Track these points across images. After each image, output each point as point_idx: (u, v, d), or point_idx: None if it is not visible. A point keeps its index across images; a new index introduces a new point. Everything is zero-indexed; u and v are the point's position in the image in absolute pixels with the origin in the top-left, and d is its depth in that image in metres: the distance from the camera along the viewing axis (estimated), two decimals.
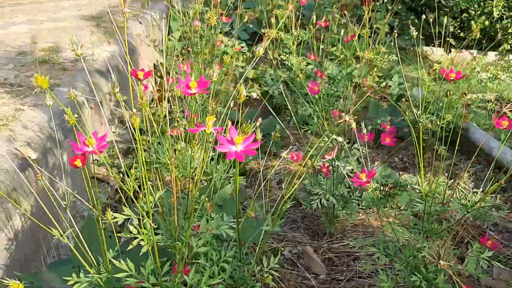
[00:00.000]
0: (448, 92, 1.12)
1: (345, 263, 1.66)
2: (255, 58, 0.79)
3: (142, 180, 0.76)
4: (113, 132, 2.33)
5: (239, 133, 0.65)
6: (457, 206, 1.07)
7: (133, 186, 0.82)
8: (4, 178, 1.37)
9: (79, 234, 1.00)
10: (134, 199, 0.77)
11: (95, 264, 0.92)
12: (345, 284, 1.56)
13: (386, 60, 3.12)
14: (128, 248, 0.82)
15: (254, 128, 0.70)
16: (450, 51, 4.06)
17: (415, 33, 1.18)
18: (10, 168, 1.41)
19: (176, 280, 0.82)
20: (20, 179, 1.40)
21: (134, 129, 0.75)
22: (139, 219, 0.78)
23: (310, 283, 1.56)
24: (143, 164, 0.74)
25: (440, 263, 0.76)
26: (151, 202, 0.72)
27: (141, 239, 0.78)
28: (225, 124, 0.66)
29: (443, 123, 1.99)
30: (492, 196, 1.20)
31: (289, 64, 2.79)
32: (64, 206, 0.90)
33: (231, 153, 0.63)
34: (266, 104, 2.38)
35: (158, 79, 3.28)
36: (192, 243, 0.83)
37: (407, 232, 1.20)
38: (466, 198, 1.11)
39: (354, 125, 0.80)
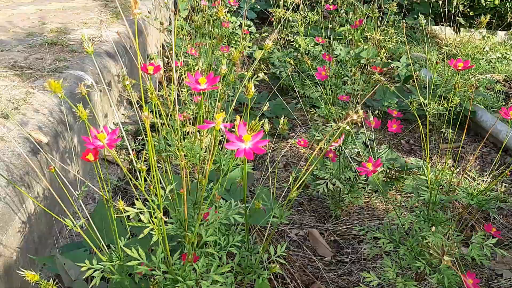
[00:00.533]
0: (456, 85, 1.12)
1: (350, 246, 1.69)
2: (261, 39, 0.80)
3: (153, 172, 0.78)
4: (122, 114, 2.35)
5: (248, 130, 0.66)
6: (462, 195, 1.09)
7: (143, 176, 0.84)
8: (17, 162, 1.40)
9: (90, 219, 1.03)
10: (139, 187, 0.79)
11: (107, 250, 0.95)
12: (350, 266, 1.60)
13: (394, 41, 3.09)
14: (140, 237, 0.84)
15: (262, 126, 0.72)
16: (459, 30, 4.01)
17: (423, 21, 1.17)
18: (22, 153, 1.44)
19: (186, 268, 0.85)
20: (32, 163, 1.43)
21: (143, 122, 0.77)
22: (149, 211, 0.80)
23: (316, 265, 1.60)
24: (152, 155, 0.76)
25: (444, 259, 0.78)
26: (161, 196, 0.74)
27: (152, 229, 0.81)
28: (233, 118, 0.68)
29: (451, 106, 1.99)
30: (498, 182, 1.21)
31: (297, 46, 2.78)
32: (76, 194, 0.92)
33: (240, 150, 0.65)
34: (273, 86, 2.39)
35: (166, 59, 3.28)
36: (202, 232, 0.85)
37: (412, 219, 1.22)
38: (471, 187, 1.13)
39: (360, 118, 0.81)
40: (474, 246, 1.17)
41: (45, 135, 1.56)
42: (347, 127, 1.19)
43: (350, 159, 1.64)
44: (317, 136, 1.67)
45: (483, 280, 1.55)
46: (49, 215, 1.52)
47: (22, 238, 1.32)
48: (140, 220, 0.82)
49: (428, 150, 1.10)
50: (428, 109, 1.13)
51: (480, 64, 3.48)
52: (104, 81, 2.16)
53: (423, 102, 1.13)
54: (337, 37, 3.22)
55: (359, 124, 1.91)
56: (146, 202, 0.75)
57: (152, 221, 0.80)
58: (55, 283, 1.39)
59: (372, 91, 1.07)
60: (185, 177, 0.77)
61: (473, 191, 1.11)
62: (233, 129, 0.73)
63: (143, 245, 0.95)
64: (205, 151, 1.09)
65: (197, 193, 0.92)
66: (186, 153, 1.09)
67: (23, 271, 0.73)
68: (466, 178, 1.64)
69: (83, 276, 1.20)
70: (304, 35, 2.92)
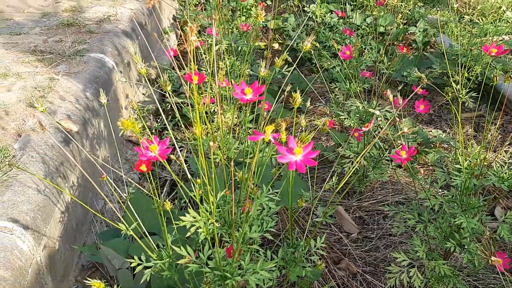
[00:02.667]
0: (473, 47, 1.12)
1: (375, 221, 1.73)
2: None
3: (207, 188, 0.80)
4: (142, 93, 2.36)
5: (298, 142, 0.68)
6: (494, 179, 1.11)
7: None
8: (51, 154, 1.43)
9: (123, 205, 1.06)
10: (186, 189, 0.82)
11: (151, 242, 0.99)
12: (376, 242, 1.64)
13: (411, 6, 3.04)
14: (187, 235, 0.88)
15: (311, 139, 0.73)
16: None
17: None
18: (55, 143, 1.47)
19: (233, 264, 0.89)
20: (66, 153, 1.46)
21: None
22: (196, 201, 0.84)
23: (343, 242, 1.64)
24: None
25: (491, 259, 0.81)
26: (212, 203, 0.77)
27: (196, 224, 0.84)
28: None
29: (472, 75, 1.98)
30: None
31: (312, 16, 2.74)
32: (105, 179, 0.95)
33: (291, 163, 0.67)
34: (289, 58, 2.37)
35: (180, 32, 3.25)
36: (246, 229, 0.89)
37: (441, 200, 1.25)
38: (502, 170, 1.14)
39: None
40: (503, 226, 1.20)
41: (75, 123, 1.59)
42: (377, 113, 1.20)
43: (374, 135, 1.65)
44: (341, 115, 1.68)
45: (507, 252, 1.59)
46: (84, 202, 1.56)
47: (63, 227, 1.37)
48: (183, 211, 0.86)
49: (462, 138, 1.12)
50: (460, 94, 1.13)
51: (498, 25, 3.41)
52: (124, 62, 2.17)
53: (456, 89, 1.13)
54: (351, 2, 3.16)
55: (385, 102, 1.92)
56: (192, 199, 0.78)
57: (200, 219, 0.83)
58: (96, 270, 1.46)
59: (391, 64, 1.07)
60: (230, 179, 0.80)
61: (504, 175, 1.13)
62: (276, 136, 0.75)
63: (188, 242, 0.99)
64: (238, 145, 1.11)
65: (240, 191, 0.95)
66: (221, 146, 1.11)
67: (89, 280, 0.77)
68: (498, 162, 1.65)
69: (126, 265, 1.26)
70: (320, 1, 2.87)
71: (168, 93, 0.96)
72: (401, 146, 1.11)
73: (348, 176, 0.87)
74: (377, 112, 1.19)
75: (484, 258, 0.82)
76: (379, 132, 1.78)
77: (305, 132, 0.72)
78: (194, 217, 0.77)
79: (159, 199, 0.87)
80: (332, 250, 1.60)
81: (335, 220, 1.73)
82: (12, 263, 1.09)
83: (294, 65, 1.05)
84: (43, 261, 1.23)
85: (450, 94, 1.39)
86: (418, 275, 1.28)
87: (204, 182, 0.80)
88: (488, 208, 1.75)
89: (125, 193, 1.79)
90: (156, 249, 0.94)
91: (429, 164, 1.95)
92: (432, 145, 1.97)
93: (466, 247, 1.23)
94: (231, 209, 0.91)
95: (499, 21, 3.44)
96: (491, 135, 2.17)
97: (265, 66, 0.94)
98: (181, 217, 0.77)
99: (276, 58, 1.03)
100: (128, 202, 1.12)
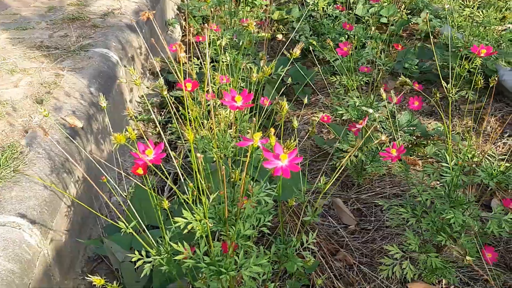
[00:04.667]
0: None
1: (373, 214, 1.77)
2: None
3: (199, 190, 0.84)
4: (146, 87, 2.41)
5: (284, 148, 0.72)
6: (482, 175, 1.14)
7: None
8: (56, 149, 1.49)
9: (127, 198, 1.11)
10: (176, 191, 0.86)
11: (148, 236, 1.04)
12: (373, 233, 1.68)
13: None
14: (184, 232, 0.92)
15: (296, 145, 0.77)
16: None
17: None
18: (61, 139, 1.52)
19: (228, 260, 0.93)
20: (71, 149, 1.52)
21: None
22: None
23: (340, 233, 1.69)
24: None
25: (466, 259, 0.85)
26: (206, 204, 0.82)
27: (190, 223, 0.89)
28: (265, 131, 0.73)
29: (472, 67, 1.99)
30: None
31: (315, 8, 2.75)
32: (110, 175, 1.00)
33: (277, 168, 0.71)
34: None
35: (183, 23, 3.28)
36: (240, 227, 0.93)
37: (433, 195, 1.28)
38: (491, 167, 1.18)
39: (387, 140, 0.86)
40: (493, 221, 1.24)
41: (79, 119, 1.64)
42: (371, 111, 1.23)
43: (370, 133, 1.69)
44: (339, 110, 1.72)
45: (502, 244, 1.63)
46: (89, 196, 1.62)
47: (68, 221, 1.43)
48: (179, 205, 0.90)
49: (450, 135, 1.15)
50: (450, 93, 1.16)
51: (504, 12, 3.39)
52: (128, 56, 2.21)
53: (445, 88, 1.16)
54: None
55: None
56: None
57: (195, 219, 0.88)
58: (101, 261, 1.51)
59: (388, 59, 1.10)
60: (224, 179, 0.84)
61: (493, 172, 1.16)
62: (264, 141, 0.79)
63: (186, 237, 1.03)
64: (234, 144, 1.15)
65: (235, 190, 0.99)
66: (218, 144, 1.15)
67: (90, 277, 0.82)
68: (487, 158, 1.68)
69: (129, 258, 1.31)
70: None
71: (166, 97, 1.00)
72: (391, 144, 1.14)
73: (340, 169, 0.91)
74: (370, 110, 1.23)
75: (459, 258, 0.86)
76: (380, 126, 1.82)
77: (296, 132, 0.76)
78: (188, 218, 0.81)
79: (160, 195, 0.92)
80: (329, 242, 1.64)
81: (334, 212, 1.77)
82: (20, 257, 1.15)
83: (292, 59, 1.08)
84: (50, 254, 1.29)
85: (446, 91, 1.42)
86: (410, 267, 1.32)
87: (198, 185, 0.84)
88: (485, 200, 1.78)
89: (131, 185, 1.85)
90: (156, 244, 0.99)
91: (428, 156, 1.98)
92: (431, 138, 2.00)
93: (457, 240, 1.27)
94: (225, 207, 0.96)
95: (505, 10, 3.43)
96: (490, 127, 2.20)
97: (265, 59, 0.97)
98: (176, 218, 0.82)
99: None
100: (131, 197, 1.17)
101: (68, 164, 1.50)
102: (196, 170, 0.77)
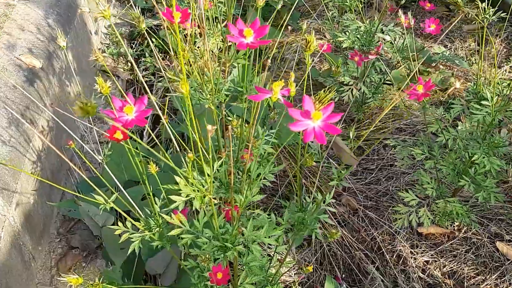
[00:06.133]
0: None
1: (375, 151, 1.62)
2: None
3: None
4: (113, 15, 2.12)
5: (316, 103, 0.53)
6: None
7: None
8: (14, 96, 1.26)
9: (103, 156, 0.93)
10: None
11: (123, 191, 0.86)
12: (377, 173, 1.54)
13: None
14: (181, 209, 0.74)
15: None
16: None
17: None
18: (18, 83, 1.28)
19: (233, 232, 0.77)
20: (30, 95, 1.29)
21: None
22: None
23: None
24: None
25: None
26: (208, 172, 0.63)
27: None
28: None
29: None
30: None
31: None
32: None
33: (308, 132, 0.52)
34: None
35: None
36: (247, 193, 0.76)
37: (455, 134, 1.13)
38: None
39: None
40: None
41: (38, 58, 1.39)
42: (387, 38, 1.04)
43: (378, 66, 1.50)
44: (339, 36, 1.50)
45: None
46: (58, 146, 1.41)
47: (36, 179, 1.23)
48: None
49: (482, 62, 0.97)
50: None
51: None
52: None
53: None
54: None
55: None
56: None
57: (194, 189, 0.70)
58: (78, 220, 1.34)
59: None
60: (230, 154, 0.65)
61: None
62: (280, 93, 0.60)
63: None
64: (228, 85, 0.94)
65: (239, 147, 0.81)
66: (211, 88, 0.95)
67: (64, 277, 0.65)
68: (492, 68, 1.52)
69: (110, 221, 1.14)
70: None
71: (143, 30, 0.78)
72: (417, 80, 0.96)
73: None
74: (387, 38, 1.03)
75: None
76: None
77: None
78: (185, 191, 0.63)
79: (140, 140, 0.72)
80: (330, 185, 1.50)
81: (333, 152, 1.61)
82: None
83: None
84: (18, 221, 1.11)
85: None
86: (427, 214, 1.19)
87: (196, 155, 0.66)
88: None
89: (104, 131, 1.64)
90: (141, 210, 0.82)
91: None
92: (435, 64, 1.82)
93: (481, 184, 1.13)
94: (228, 168, 0.78)
95: None
96: (494, 49, 2.03)
97: None
98: (172, 197, 0.63)
99: None
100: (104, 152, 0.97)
101: (29, 112, 1.28)
102: (198, 140, 0.58)
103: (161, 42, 1.01)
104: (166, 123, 0.64)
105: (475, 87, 1.03)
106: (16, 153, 1.16)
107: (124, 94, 0.62)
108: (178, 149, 0.85)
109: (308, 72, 0.85)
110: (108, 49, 1.93)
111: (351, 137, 0.85)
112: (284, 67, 1.91)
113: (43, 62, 1.40)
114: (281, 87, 0.55)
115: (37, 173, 1.25)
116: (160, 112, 0.60)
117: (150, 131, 0.82)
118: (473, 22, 2.12)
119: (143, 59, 1.93)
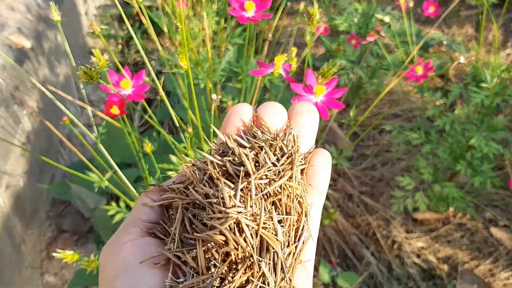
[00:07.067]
0: None
1: (370, 137, 1.61)
2: None
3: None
4: None
5: (319, 77, 0.51)
6: None
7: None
8: (3, 76, 1.22)
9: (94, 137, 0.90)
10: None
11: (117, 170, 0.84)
12: (373, 159, 1.53)
13: None
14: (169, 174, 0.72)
15: None
16: None
17: None
18: (7, 63, 1.25)
19: None
20: (20, 75, 1.25)
21: None
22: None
23: (336, 161, 1.53)
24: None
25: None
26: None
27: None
28: None
29: None
30: None
31: None
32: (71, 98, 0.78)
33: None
34: None
35: None
36: None
37: (452, 118, 1.12)
38: None
39: None
40: None
41: (27, 38, 1.35)
42: (387, 19, 1.02)
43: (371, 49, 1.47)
44: (336, 19, 1.48)
45: None
46: (47, 128, 1.38)
47: (25, 161, 1.21)
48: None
49: (481, 46, 0.95)
50: None
51: None
52: None
53: None
54: None
55: None
56: None
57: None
58: (65, 208, 1.32)
59: None
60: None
61: None
62: (281, 69, 0.58)
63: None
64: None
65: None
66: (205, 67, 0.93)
67: (59, 253, 0.63)
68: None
69: (102, 203, 1.12)
70: None
71: (138, 8, 0.76)
72: (416, 62, 0.95)
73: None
74: (387, 19, 1.01)
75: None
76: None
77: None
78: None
79: (131, 124, 0.71)
80: None
81: (328, 138, 1.60)
82: None
83: None
84: (8, 203, 1.08)
85: None
86: (423, 199, 1.18)
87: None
88: None
89: (94, 114, 1.61)
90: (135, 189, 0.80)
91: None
92: (434, 50, 1.80)
93: (478, 169, 1.12)
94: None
95: None
96: (492, 35, 2.02)
97: None
98: (170, 172, 0.61)
99: None
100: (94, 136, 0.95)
101: (19, 93, 1.24)
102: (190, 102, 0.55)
103: (153, 24, 0.98)
104: (165, 99, 0.61)
105: (473, 70, 1.02)
106: (6, 134, 1.13)
107: (121, 68, 0.60)
108: (173, 132, 0.83)
109: (306, 54, 0.83)
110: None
111: (351, 116, 0.83)
112: (279, 52, 1.88)
113: (32, 42, 1.36)
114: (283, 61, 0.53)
115: (27, 156, 1.22)
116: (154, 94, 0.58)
117: (142, 113, 0.79)
118: (473, 6, 2.10)
119: (132, 42, 1.90)
